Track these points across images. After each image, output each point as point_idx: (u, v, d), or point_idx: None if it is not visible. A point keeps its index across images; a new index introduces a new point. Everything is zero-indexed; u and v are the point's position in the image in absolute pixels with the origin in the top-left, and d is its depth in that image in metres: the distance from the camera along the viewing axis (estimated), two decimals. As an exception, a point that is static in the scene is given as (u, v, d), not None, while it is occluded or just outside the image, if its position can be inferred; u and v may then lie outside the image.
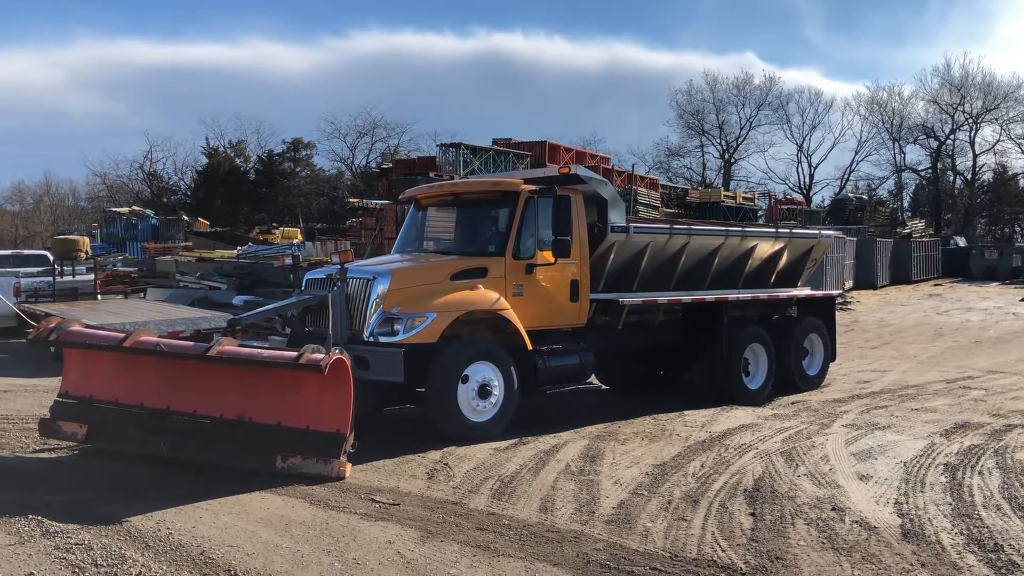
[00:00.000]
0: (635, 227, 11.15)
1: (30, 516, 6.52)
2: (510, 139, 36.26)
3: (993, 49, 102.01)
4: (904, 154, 69.81)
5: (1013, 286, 41.58)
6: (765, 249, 13.05)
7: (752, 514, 6.77)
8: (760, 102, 71.32)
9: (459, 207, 10.97)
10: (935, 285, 42.57)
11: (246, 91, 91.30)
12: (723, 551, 5.91)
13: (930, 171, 69.06)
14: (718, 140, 72.66)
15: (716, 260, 12.37)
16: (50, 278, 21.68)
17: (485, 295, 9.66)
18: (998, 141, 67.09)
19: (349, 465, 7.97)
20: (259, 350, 8.32)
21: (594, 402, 12.19)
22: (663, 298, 11.52)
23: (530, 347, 9.83)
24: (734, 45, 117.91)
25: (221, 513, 6.76)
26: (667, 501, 7.15)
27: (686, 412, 11.23)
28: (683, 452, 8.98)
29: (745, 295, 12.63)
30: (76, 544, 5.95)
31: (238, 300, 21.61)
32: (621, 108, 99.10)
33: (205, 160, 60.39)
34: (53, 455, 8.84)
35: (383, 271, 9.48)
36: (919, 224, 58.75)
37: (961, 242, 54.73)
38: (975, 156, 68.06)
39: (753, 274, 13.08)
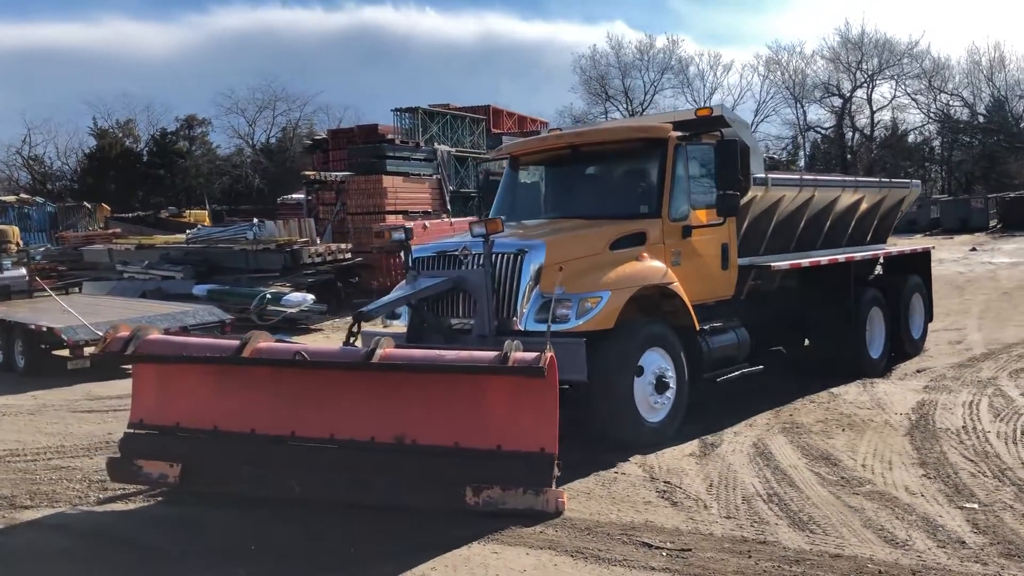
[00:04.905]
0: (773, 179, 9.53)
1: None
2: (447, 104, 34.08)
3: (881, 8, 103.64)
4: (806, 114, 70.69)
5: (940, 236, 42.34)
6: (869, 201, 11.64)
7: None
8: (663, 66, 70.91)
9: (581, 161, 9.07)
10: (867, 239, 42.65)
11: (113, 71, 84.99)
12: None
13: (834, 129, 70.05)
14: (624, 106, 71.84)
15: (830, 216, 10.89)
16: (-26, 276, 18.76)
17: (654, 267, 7.87)
18: (894, 97, 68.50)
19: (565, 494, 6.11)
20: (439, 352, 6.30)
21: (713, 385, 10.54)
22: (806, 261, 9.97)
23: (698, 327, 8.11)
24: (604, 14, 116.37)
25: (471, 585, 4.84)
26: (1022, 516, 5.59)
27: (832, 390, 9.83)
28: (914, 443, 7.48)
29: (866, 254, 11.23)
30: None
31: (198, 290, 19.11)
32: (499, 78, 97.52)
33: (93, 142, 55.63)
34: (133, 506, 6.63)
35: (534, 243, 7.53)
36: (829, 181, 59.33)
37: (872, 197, 55.52)
38: (872, 113, 69.41)
39: (856, 230, 11.68)
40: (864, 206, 11.63)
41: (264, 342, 6.39)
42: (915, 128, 70.72)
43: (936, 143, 71.97)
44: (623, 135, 9.00)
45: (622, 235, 7.93)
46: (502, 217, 7.70)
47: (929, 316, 12.73)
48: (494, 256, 7.49)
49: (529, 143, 9.61)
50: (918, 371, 10.97)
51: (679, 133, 8.48)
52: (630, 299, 7.81)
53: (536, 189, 9.54)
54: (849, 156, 70.70)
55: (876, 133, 70.18)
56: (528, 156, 9.45)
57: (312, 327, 17.95)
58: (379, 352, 6.02)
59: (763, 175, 9.30)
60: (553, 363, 5.89)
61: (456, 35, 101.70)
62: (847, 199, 11.13)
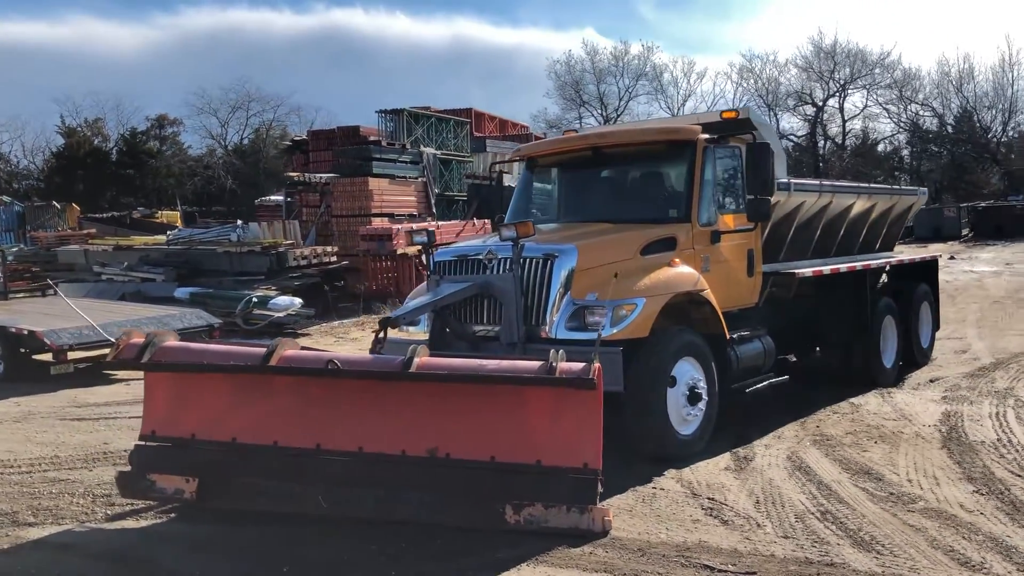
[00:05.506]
0: (795, 183, 9.31)
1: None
2: (428, 107, 33.72)
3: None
4: (779, 121, 71.04)
5: (914, 245, 42.60)
6: (881, 208, 11.48)
7: None
8: (638, 73, 71.04)
9: (604, 164, 8.77)
10: (843, 247, 42.81)
11: (82, 69, 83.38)
12: None
13: (807, 137, 70.49)
14: (599, 111, 71.82)
15: (844, 223, 10.70)
16: (-53, 277, 18.02)
17: (687, 273, 7.59)
18: (866, 107, 69.11)
19: (611, 512, 5.80)
20: (480, 360, 5.97)
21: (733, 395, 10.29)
22: (827, 268, 9.75)
23: (728, 335, 7.85)
24: (574, 20, 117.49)
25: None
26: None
27: (851, 400, 9.65)
28: (953, 456, 7.28)
29: (882, 261, 11.06)
30: None
31: (180, 293, 18.60)
32: (471, 83, 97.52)
33: (61, 140, 54.48)
34: (145, 523, 6.22)
35: (565, 247, 7.22)
36: (803, 189, 59.54)
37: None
38: (844, 122, 69.96)
39: (867, 237, 11.51)
40: (875, 213, 11.46)
41: (291, 350, 6.03)
42: (885, 137, 71.52)
43: (905, 152, 72.78)
44: (650, 136, 8.70)
45: (653, 240, 7.65)
46: (532, 220, 7.39)
47: (936, 325, 12.61)
48: (524, 260, 7.18)
49: (549, 144, 9.30)
50: (931, 381, 10.80)
51: (708, 135, 8.22)
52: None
53: (551, 192, 9.23)
54: (821, 164, 71.28)
55: (847, 142, 70.75)
56: (547, 158, 9.14)
57: (299, 331, 17.49)
58: (417, 361, 5.69)
59: (786, 180, 9.08)
60: (601, 373, 5.59)
61: (427, 39, 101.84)
62: (860, 206, 10.95)
